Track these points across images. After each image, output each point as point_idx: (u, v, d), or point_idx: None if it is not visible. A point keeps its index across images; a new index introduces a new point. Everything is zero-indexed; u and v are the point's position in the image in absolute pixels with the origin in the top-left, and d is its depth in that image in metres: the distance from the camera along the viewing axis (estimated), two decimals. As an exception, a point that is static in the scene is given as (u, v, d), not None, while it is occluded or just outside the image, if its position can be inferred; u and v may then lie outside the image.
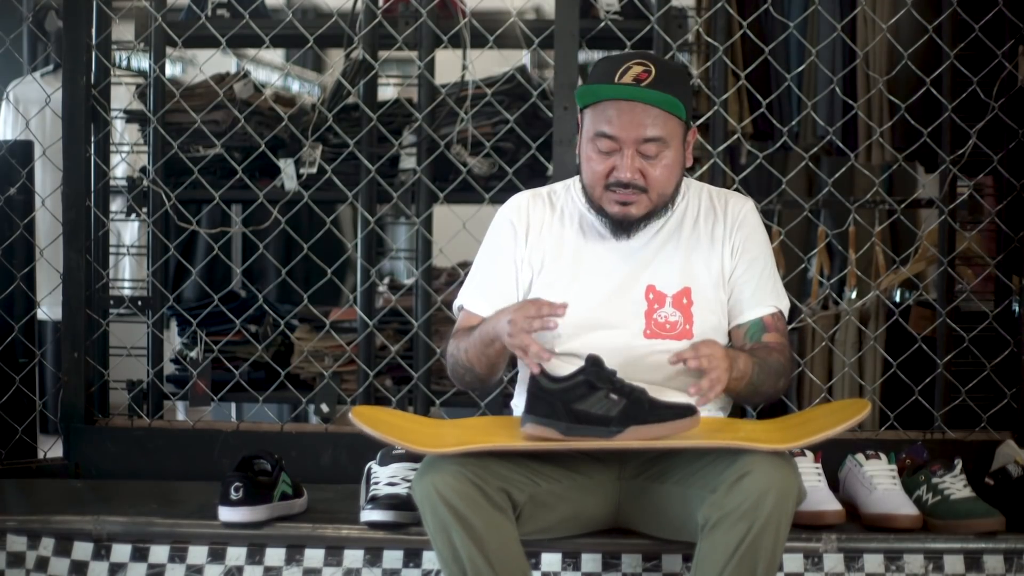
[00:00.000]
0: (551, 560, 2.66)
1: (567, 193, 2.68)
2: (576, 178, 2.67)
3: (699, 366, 2.36)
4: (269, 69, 6.39)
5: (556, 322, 2.40)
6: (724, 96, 3.47)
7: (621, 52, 2.78)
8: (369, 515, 2.68)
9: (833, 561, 2.65)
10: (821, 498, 2.72)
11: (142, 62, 4.44)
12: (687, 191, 2.66)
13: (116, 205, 4.42)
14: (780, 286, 2.65)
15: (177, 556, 2.73)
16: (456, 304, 2.68)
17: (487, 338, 2.48)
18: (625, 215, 2.54)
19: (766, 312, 2.61)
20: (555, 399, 2.34)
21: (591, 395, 2.34)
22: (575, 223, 2.64)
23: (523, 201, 2.67)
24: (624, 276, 2.57)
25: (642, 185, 2.52)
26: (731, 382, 2.42)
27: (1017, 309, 3.40)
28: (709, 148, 3.47)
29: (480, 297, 2.63)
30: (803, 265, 4.20)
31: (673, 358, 2.40)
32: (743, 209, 2.64)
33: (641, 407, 2.34)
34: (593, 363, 2.36)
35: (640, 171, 2.51)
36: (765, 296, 2.61)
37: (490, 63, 3.89)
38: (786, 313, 2.65)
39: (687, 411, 2.35)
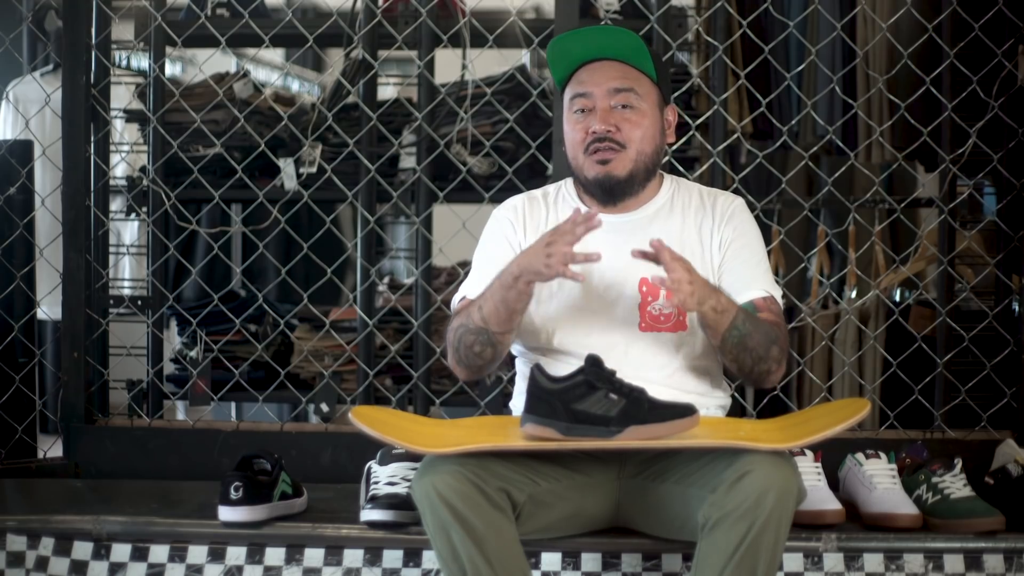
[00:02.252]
0: (551, 559, 2.66)
1: (559, 192, 2.70)
2: (569, 179, 2.69)
3: (666, 270, 2.39)
4: (269, 69, 6.39)
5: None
6: (724, 96, 3.47)
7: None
8: (369, 514, 2.68)
9: (833, 560, 2.65)
10: (821, 497, 2.72)
11: (142, 62, 4.45)
12: (678, 187, 2.67)
13: (116, 205, 4.42)
14: (771, 276, 2.62)
15: (177, 556, 2.73)
16: (457, 297, 2.64)
17: (509, 279, 2.43)
18: (607, 174, 2.56)
19: (757, 296, 2.57)
20: (554, 399, 2.34)
21: (591, 395, 2.34)
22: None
23: (518, 202, 2.69)
24: (618, 270, 2.57)
25: (620, 140, 2.54)
26: (709, 313, 2.42)
27: (1017, 308, 3.40)
28: (709, 148, 3.47)
29: (485, 286, 2.58)
30: (803, 264, 4.21)
31: (655, 243, 2.40)
32: (732, 205, 2.64)
33: (641, 407, 2.34)
34: (592, 363, 2.36)
35: (615, 124, 2.54)
36: (755, 281, 2.58)
37: (490, 62, 3.90)
38: (779, 300, 2.61)
39: (687, 411, 2.35)
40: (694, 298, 2.39)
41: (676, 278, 2.38)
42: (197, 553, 2.72)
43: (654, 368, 2.53)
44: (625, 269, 2.57)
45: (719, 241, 2.61)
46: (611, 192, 2.58)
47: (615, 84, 2.56)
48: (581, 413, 2.33)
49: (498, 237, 2.66)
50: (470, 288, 2.63)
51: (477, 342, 2.51)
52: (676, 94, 3.38)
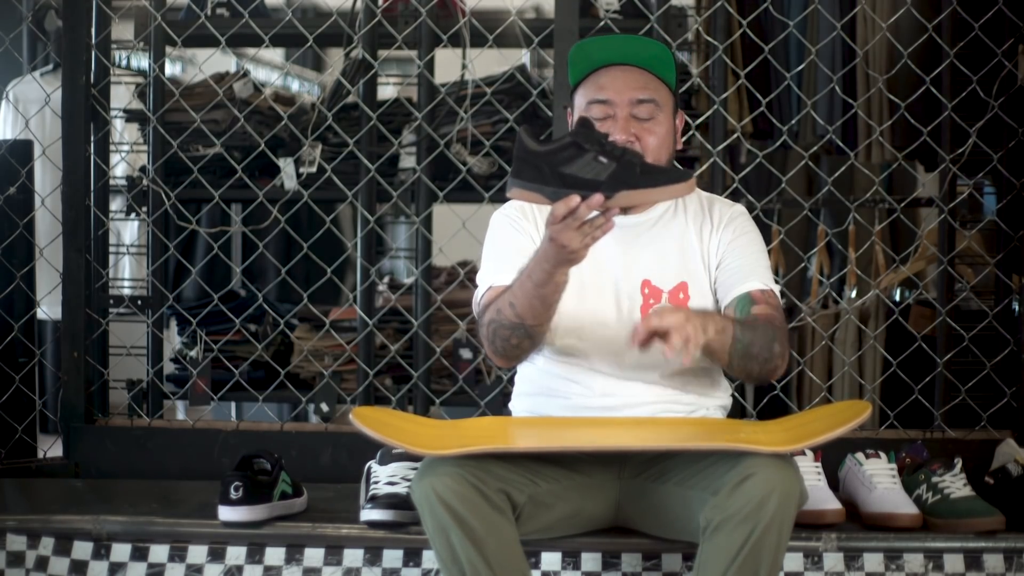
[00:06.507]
0: (551, 559, 2.66)
1: None
2: None
3: (656, 326, 2.25)
4: (269, 68, 6.40)
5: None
6: (724, 95, 3.47)
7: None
8: (369, 514, 2.68)
9: (833, 560, 2.65)
10: (821, 497, 2.72)
11: (142, 61, 4.45)
12: None
13: (116, 204, 4.42)
14: (770, 274, 2.59)
15: (177, 555, 2.73)
16: (479, 292, 2.58)
17: (543, 275, 2.35)
18: None
19: (754, 287, 2.53)
20: (542, 162, 2.21)
21: (579, 157, 2.22)
22: None
23: (518, 202, 2.66)
24: (620, 271, 2.56)
25: (637, 149, 2.49)
26: (715, 338, 2.33)
27: (1017, 308, 3.40)
28: (709, 148, 3.47)
29: (507, 271, 2.52)
30: (803, 264, 4.21)
31: (634, 339, 2.27)
32: (731, 210, 2.64)
33: (632, 171, 2.22)
34: (582, 124, 2.26)
35: (635, 135, 2.51)
36: (753, 274, 2.54)
37: (490, 62, 3.90)
38: (777, 295, 2.57)
39: (681, 176, 2.24)
40: (699, 332, 2.27)
41: (676, 323, 2.24)
42: (197, 553, 2.72)
43: (654, 369, 2.53)
44: (628, 271, 2.56)
45: (717, 243, 2.59)
46: None
47: (638, 95, 2.52)
48: (569, 177, 2.21)
49: (510, 228, 2.61)
50: (493, 276, 2.57)
51: (514, 336, 2.46)
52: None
